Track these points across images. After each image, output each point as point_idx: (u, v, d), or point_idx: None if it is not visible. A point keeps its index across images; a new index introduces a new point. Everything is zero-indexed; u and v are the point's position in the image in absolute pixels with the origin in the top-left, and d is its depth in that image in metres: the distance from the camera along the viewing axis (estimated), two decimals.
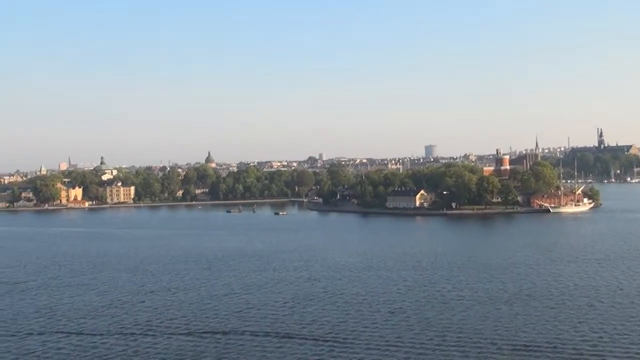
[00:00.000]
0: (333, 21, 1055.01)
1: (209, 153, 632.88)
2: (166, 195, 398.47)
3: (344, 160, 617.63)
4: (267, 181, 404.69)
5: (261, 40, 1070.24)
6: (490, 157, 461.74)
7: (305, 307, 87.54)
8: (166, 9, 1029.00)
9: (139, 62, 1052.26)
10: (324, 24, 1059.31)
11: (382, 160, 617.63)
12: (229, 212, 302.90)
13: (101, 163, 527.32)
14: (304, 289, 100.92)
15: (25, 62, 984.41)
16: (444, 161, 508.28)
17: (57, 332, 77.91)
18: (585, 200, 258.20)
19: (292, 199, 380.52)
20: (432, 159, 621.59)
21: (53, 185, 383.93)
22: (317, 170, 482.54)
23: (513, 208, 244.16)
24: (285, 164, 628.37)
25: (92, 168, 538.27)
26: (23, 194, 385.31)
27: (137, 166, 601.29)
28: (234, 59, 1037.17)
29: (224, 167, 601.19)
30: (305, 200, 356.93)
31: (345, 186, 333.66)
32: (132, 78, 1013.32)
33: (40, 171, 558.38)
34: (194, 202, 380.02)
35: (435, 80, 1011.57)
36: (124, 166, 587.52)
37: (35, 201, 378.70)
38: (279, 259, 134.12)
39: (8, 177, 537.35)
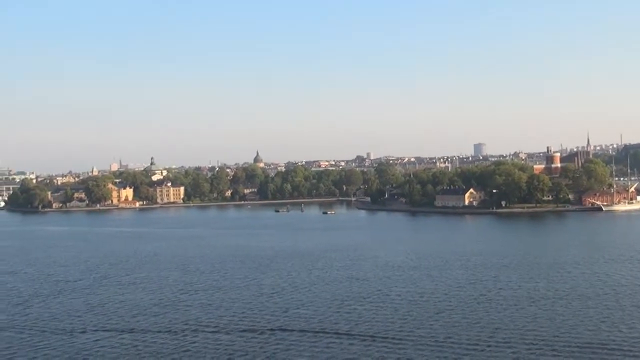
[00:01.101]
0: (381, 20, 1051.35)
1: (257, 153, 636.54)
2: (215, 195, 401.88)
3: (392, 159, 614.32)
4: (315, 180, 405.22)
5: (310, 39, 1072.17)
6: (541, 155, 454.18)
7: (353, 306, 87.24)
8: (214, 8, 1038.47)
9: (188, 63, 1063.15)
10: (372, 21, 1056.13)
11: (430, 158, 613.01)
12: (277, 211, 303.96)
13: (151, 164, 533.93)
14: (352, 288, 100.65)
15: (76, 66, 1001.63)
16: (493, 159, 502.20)
17: (109, 330, 78.94)
18: (639, 197, 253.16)
19: (340, 198, 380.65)
20: (481, 157, 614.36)
21: (105, 185, 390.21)
22: (365, 170, 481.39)
23: (564, 206, 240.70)
24: (333, 163, 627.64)
25: (142, 169, 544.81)
26: (76, 195, 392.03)
27: (187, 166, 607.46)
28: (282, 59, 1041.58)
29: (272, 166, 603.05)
30: (353, 199, 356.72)
31: (394, 185, 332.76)
32: (181, 79, 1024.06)
33: (92, 172, 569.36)
34: (242, 202, 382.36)
35: (485, 78, 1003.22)
36: (174, 166, 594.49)
37: (87, 201, 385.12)
38: (327, 258, 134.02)
39: (61, 178, 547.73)
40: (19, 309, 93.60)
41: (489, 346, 66.86)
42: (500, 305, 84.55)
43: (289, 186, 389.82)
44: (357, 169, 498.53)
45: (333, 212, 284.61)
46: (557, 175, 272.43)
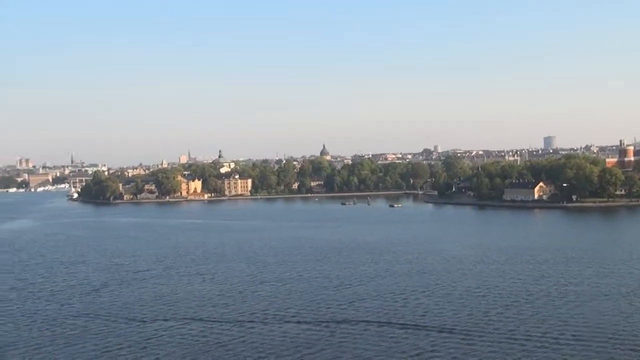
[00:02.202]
0: (445, 15, 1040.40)
1: (323, 146, 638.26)
2: (282, 187, 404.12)
3: (459, 152, 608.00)
4: (381, 173, 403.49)
5: (376, 30, 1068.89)
6: (613, 148, 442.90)
7: (420, 299, 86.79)
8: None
9: (255, 56, 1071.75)
10: (434, 10, 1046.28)
11: (499, 152, 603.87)
12: (344, 204, 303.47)
13: (219, 156, 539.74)
14: (418, 280, 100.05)
15: (150, 61, 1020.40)
16: (563, 152, 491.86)
17: (176, 319, 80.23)
18: None
19: (407, 191, 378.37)
20: (551, 151, 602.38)
21: (174, 177, 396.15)
22: (432, 162, 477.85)
23: (638, 201, 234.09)
24: (400, 156, 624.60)
25: (210, 161, 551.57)
26: (146, 187, 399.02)
27: (254, 159, 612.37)
28: (347, 51, 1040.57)
29: (338, 159, 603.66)
30: (420, 192, 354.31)
31: (461, 178, 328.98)
32: (249, 73, 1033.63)
33: (161, 164, 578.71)
34: (309, 195, 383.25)
35: (555, 70, 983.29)
36: (242, 159, 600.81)
37: (157, 193, 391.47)
38: (393, 251, 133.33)
39: (132, 170, 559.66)
40: (91, 297, 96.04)
41: (558, 342, 65.54)
42: (570, 301, 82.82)
43: (355, 179, 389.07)
44: (424, 162, 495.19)
45: (400, 205, 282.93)
46: (631, 169, 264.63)
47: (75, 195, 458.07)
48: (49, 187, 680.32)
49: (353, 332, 71.76)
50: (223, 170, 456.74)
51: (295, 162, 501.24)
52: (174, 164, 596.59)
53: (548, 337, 67.07)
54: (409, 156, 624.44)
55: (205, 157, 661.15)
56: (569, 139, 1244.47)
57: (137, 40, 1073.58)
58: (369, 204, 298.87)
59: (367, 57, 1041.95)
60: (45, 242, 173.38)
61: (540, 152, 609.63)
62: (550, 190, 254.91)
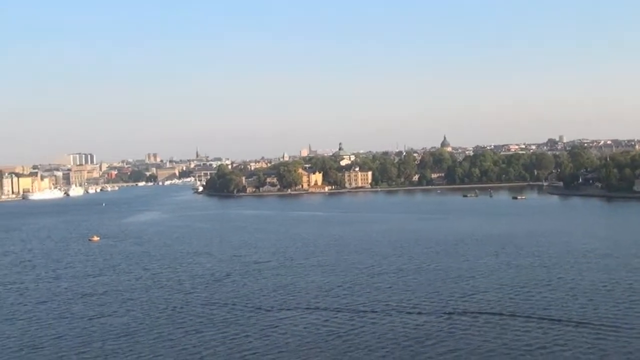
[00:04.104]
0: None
1: (444, 137, 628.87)
2: (402, 179, 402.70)
3: (586, 142, 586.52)
4: (504, 165, 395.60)
5: (510, 18, 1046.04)
6: None
7: (541, 292, 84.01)
8: None
9: (376, 53, 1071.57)
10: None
11: (628, 141, 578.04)
12: (465, 196, 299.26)
13: (340, 149, 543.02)
14: (540, 273, 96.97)
15: (272, 56, 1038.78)
16: None
17: (295, 309, 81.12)
18: None
19: (531, 183, 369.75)
20: None
21: (295, 170, 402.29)
22: (558, 153, 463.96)
23: None
24: (524, 146, 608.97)
25: (331, 154, 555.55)
26: (268, 179, 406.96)
27: (374, 151, 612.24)
28: (477, 44, 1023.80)
29: (459, 151, 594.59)
30: (545, 184, 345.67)
31: (588, 169, 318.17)
32: (367, 65, 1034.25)
33: (283, 157, 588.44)
34: (429, 187, 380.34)
35: None
36: (361, 151, 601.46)
37: (278, 186, 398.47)
38: (515, 244, 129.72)
39: (254, 164, 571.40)
40: (214, 286, 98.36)
41: None
42: None
43: (477, 171, 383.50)
44: (549, 152, 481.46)
45: (523, 197, 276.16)
46: None
47: (200, 189, 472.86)
48: (176, 181, 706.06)
49: (475, 323, 70.42)
50: (343, 162, 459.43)
51: (415, 154, 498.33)
52: (295, 157, 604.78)
53: None
54: (533, 147, 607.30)
55: (326, 150, 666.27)
56: None
57: (264, 34, 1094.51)
58: (491, 196, 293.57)
59: (494, 46, 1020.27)
60: (171, 233, 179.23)
61: None
62: None
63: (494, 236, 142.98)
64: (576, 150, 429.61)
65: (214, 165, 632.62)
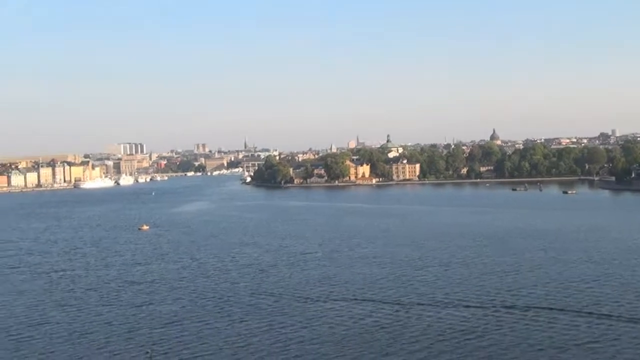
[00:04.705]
0: None
1: (493, 130, 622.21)
2: (450, 172, 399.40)
3: (639, 136, 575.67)
4: (554, 159, 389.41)
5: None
6: None
7: (591, 287, 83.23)
8: None
9: (419, 42, 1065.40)
10: None
11: None
12: (514, 190, 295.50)
13: (387, 141, 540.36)
14: (589, 269, 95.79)
15: (320, 47, 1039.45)
16: None
17: (342, 300, 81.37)
18: None
19: (582, 177, 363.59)
20: None
21: (343, 162, 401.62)
22: (610, 147, 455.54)
23: None
24: (575, 140, 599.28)
25: (378, 146, 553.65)
26: (315, 171, 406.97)
27: (422, 144, 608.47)
28: (528, 34, 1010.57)
29: (509, 144, 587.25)
30: (596, 178, 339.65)
31: None
32: (418, 57, 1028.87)
33: (330, 149, 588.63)
34: (478, 180, 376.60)
35: None
36: (409, 144, 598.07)
37: (326, 177, 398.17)
38: (564, 239, 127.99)
39: (302, 155, 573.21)
40: (260, 276, 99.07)
41: None
42: None
43: (527, 164, 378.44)
44: (601, 146, 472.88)
45: (574, 192, 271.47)
46: None
47: (248, 179, 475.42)
48: (224, 171, 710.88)
49: (523, 317, 69.84)
50: (391, 155, 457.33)
51: (464, 147, 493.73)
52: (342, 148, 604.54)
53: None
54: (585, 140, 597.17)
55: (374, 142, 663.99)
56: None
57: (313, 24, 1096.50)
58: (540, 190, 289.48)
59: (545, 37, 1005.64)
60: (219, 223, 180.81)
61: None
62: None
63: (543, 231, 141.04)
64: (629, 145, 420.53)
65: (262, 156, 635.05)
